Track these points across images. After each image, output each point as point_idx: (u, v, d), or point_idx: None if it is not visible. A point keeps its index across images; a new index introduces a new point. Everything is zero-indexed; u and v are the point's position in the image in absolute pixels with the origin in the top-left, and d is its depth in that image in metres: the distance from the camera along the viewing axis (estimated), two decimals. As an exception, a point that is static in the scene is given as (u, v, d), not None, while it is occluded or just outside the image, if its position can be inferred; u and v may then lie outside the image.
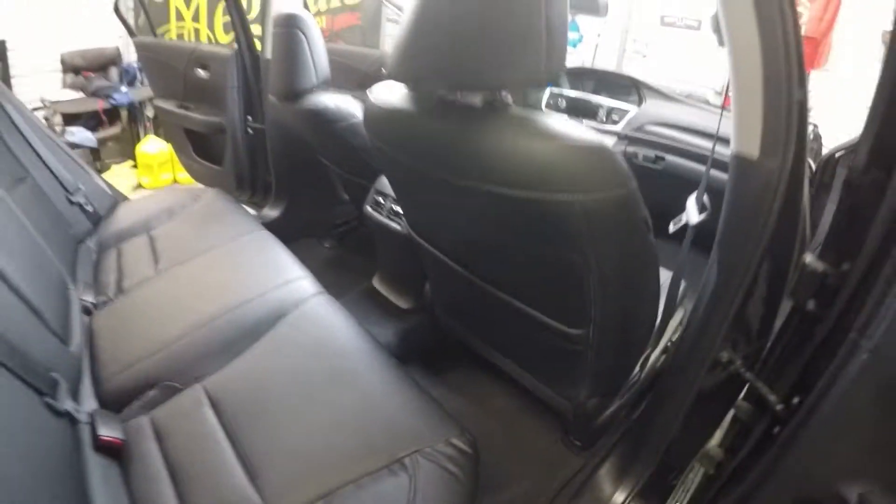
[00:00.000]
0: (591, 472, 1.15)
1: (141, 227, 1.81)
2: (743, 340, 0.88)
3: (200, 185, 2.83)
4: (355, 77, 2.55)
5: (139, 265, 1.58)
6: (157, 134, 4.40)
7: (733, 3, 0.70)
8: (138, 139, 4.36)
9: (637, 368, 1.08)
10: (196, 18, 4.64)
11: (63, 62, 4.22)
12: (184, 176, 4.10)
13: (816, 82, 5.08)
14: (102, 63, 4.40)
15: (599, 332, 0.94)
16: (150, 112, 4.45)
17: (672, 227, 0.99)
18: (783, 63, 0.69)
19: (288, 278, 1.35)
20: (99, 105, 4.10)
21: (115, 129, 4.27)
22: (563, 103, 2.37)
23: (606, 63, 4.73)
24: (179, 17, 4.58)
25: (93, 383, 1.13)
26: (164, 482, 0.91)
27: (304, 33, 1.63)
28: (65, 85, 4.21)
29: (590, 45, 4.85)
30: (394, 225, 1.62)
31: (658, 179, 1.85)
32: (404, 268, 1.72)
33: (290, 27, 1.63)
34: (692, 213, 0.94)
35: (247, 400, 1.02)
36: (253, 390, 1.04)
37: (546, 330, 0.98)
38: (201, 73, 2.45)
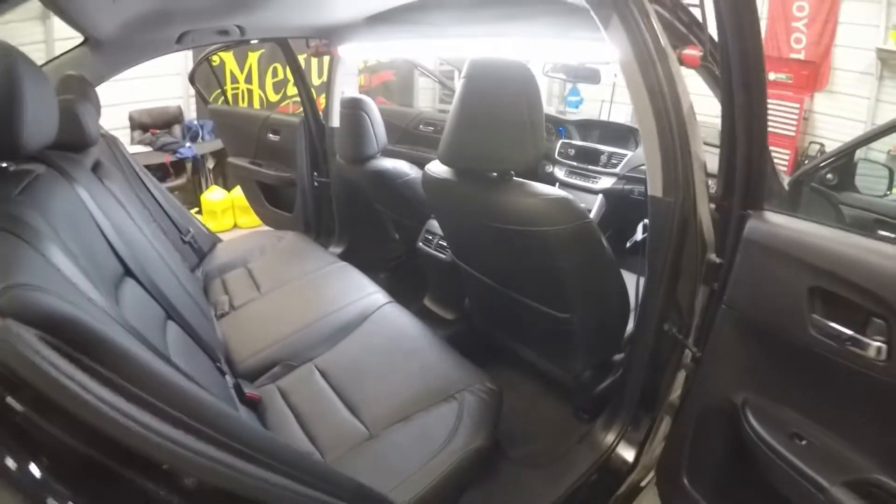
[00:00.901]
0: (589, 426, 1.63)
1: (239, 262, 2.32)
2: (676, 315, 1.38)
3: (267, 228, 3.40)
4: (396, 133, 3.10)
5: (244, 290, 2.08)
6: (216, 183, 4.99)
7: (636, 98, 1.24)
8: (201, 189, 4.91)
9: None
10: (249, 80, 5.24)
11: (131, 120, 4.75)
12: (243, 221, 4.69)
13: (820, 101, 5.60)
14: (167, 120, 4.92)
15: (580, 315, 1.45)
16: (210, 164, 5.02)
17: (628, 244, 1.54)
18: (670, 139, 1.22)
19: (368, 292, 1.89)
20: (166, 159, 4.63)
21: (181, 179, 4.81)
22: (572, 151, 2.90)
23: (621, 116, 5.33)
24: (234, 79, 5.15)
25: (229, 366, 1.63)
26: (291, 422, 1.40)
27: (367, 114, 2.18)
28: (133, 141, 4.70)
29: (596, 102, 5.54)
30: (441, 255, 2.13)
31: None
32: (448, 288, 2.23)
33: (356, 109, 2.18)
34: (639, 233, 1.47)
35: (346, 369, 1.54)
36: (350, 364, 1.57)
37: (545, 316, 1.49)
38: (272, 136, 3.02)
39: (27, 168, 1.12)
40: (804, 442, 1.07)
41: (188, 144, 4.80)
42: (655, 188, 1.28)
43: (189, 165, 4.87)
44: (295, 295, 1.98)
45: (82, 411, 0.52)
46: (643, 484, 1.54)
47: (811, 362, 1.05)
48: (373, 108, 2.20)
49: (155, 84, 4.66)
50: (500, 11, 1.72)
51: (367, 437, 1.32)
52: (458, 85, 1.32)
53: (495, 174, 1.36)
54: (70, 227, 1.06)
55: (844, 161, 2.26)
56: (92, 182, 1.42)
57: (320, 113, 2.85)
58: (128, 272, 1.22)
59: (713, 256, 1.26)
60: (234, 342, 1.73)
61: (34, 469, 0.52)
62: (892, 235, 2.12)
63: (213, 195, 4.68)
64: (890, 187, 2.44)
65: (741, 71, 1.04)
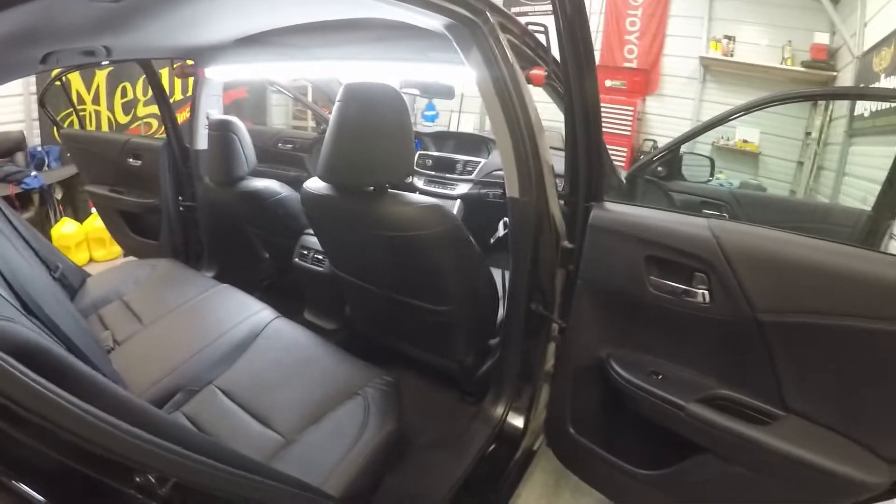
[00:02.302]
0: (479, 405, 1.80)
1: (113, 295, 2.21)
2: (540, 296, 1.58)
3: (131, 258, 3.27)
4: (256, 152, 3.12)
5: (125, 323, 2.00)
6: (66, 215, 4.63)
7: (492, 113, 1.44)
8: (51, 222, 4.54)
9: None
10: (96, 101, 4.89)
11: None
12: (99, 254, 4.43)
13: (651, 103, 6.27)
14: (9, 147, 4.44)
15: (457, 306, 1.63)
16: (58, 194, 4.66)
17: (492, 240, 1.74)
18: (522, 148, 1.43)
19: (255, 310, 1.93)
20: (11, 190, 4.22)
21: (29, 213, 4.41)
22: (429, 162, 3.09)
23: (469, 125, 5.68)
24: (81, 100, 4.77)
25: None
26: (205, 444, 1.45)
27: (236, 135, 2.21)
28: None
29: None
30: (317, 268, 2.22)
31: (504, 209, 2.63)
32: (327, 299, 2.31)
33: (225, 130, 2.20)
34: (500, 230, 1.68)
35: (248, 385, 1.59)
36: (251, 380, 1.62)
37: (425, 312, 1.65)
38: (133, 161, 2.91)
39: None
40: (661, 377, 1.35)
41: (34, 173, 4.38)
42: (513, 190, 1.49)
43: (36, 197, 4.50)
44: (181, 322, 1.97)
45: (66, 420, 0.58)
46: (535, 447, 1.78)
47: (654, 314, 1.34)
48: (241, 129, 2.24)
49: None
50: (362, 35, 1.82)
51: (283, 443, 1.38)
52: (334, 108, 1.42)
53: (372, 188, 1.49)
54: None
55: (671, 155, 2.63)
56: None
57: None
58: (27, 310, 1.20)
59: (566, 243, 1.49)
60: (129, 376, 1.67)
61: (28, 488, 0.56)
62: (707, 212, 2.50)
63: (65, 228, 4.36)
64: (712, 174, 2.87)
65: (580, 93, 1.27)
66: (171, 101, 4.64)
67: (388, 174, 1.46)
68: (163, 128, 2.84)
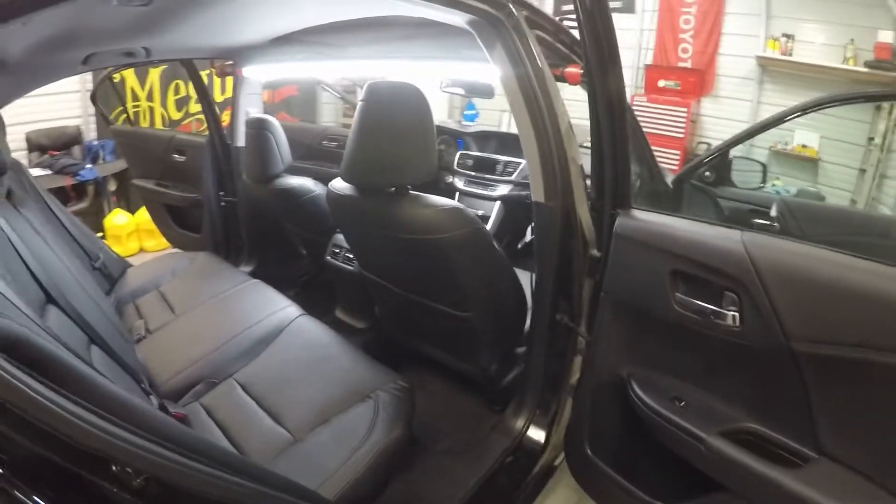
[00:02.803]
0: (501, 415, 1.76)
1: (151, 285, 2.30)
2: (567, 306, 1.53)
3: (175, 250, 3.36)
4: (300, 149, 3.13)
5: (159, 313, 2.07)
6: (120, 206, 4.81)
7: (517, 112, 1.39)
8: (104, 212, 4.71)
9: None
10: (150, 98, 5.05)
11: (28, 141, 4.45)
12: (149, 244, 4.56)
13: (706, 104, 6.08)
14: (66, 142, 4.63)
15: (479, 313, 1.59)
16: (112, 186, 4.84)
17: (519, 246, 1.69)
18: (548, 150, 1.38)
19: (281, 306, 1.95)
20: (67, 182, 4.39)
21: (83, 203, 4.57)
22: (470, 162, 3.06)
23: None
24: (135, 97, 4.95)
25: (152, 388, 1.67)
26: (218, 436, 1.45)
27: (271, 133, 2.22)
28: (31, 164, 4.38)
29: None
30: (348, 267, 2.22)
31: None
32: (358, 298, 2.30)
33: (261, 129, 2.23)
34: (528, 235, 1.62)
35: (266, 381, 1.60)
36: (269, 375, 1.63)
37: (448, 316, 1.62)
38: (178, 157, 2.99)
39: None
40: (683, 403, 1.25)
41: (89, 166, 4.57)
42: (538, 194, 1.44)
43: (91, 188, 4.66)
44: (210, 314, 2.00)
45: (43, 415, 0.58)
46: (556, 463, 1.70)
47: (680, 334, 1.22)
48: (277, 127, 2.25)
49: (52, 103, 4.41)
50: (399, 32, 1.81)
51: (291, 441, 1.38)
52: (357, 107, 1.41)
53: (393, 189, 1.47)
54: None
55: (719, 160, 2.51)
56: (7, 210, 1.43)
57: (225, 132, 2.86)
58: (49, 299, 1.24)
59: (594, 252, 1.42)
60: (155, 365, 1.74)
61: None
62: (758, 221, 2.39)
63: (117, 219, 4.53)
64: (763, 180, 2.74)
65: (603, 93, 1.20)
66: (221, 99, 4.83)
67: (408, 175, 1.43)
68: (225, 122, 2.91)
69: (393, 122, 1.38)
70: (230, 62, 2.55)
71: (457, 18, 1.33)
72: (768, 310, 1.05)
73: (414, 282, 1.69)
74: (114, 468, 0.64)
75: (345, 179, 1.51)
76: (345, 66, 2.43)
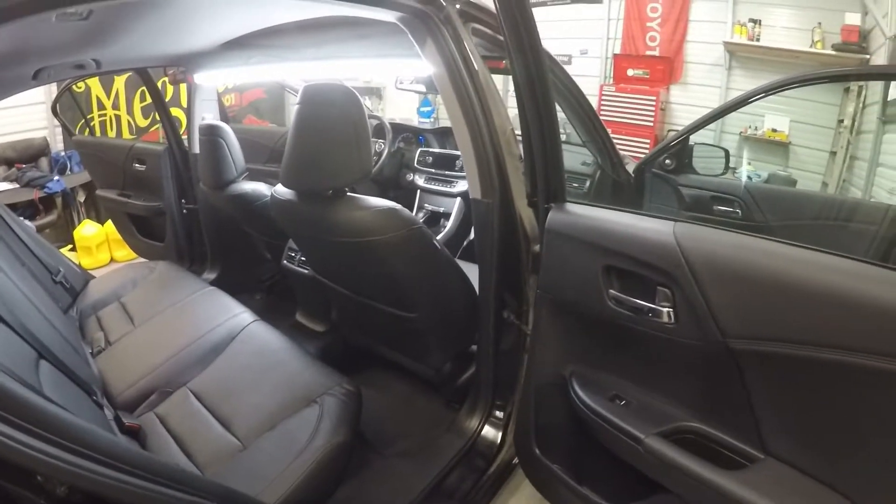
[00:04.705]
0: (455, 414, 1.77)
1: (112, 297, 2.27)
2: (514, 303, 1.53)
3: (142, 260, 3.33)
4: (264, 153, 3.14)
5: (119, 324, 2.05)
6: (89, 217, 4.76)
7: (450, 109, 1.39)
8: (73, 224, 4.67)
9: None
10: (116, 106, 5.02)
11: None
12: (120, 254, 4.48)
13: (675, 92, 6.10)
14: (33, 154, 4.63)
15: (425, 313, 1.59)
16: (81, 197, 4.80)
17: (465, 243, 1.68)
18: (482, 146, 1.38)
19: (234, 313, 1.94)
20: (35, 195, 4.37)
21: (52, 216, 4.56)
22: (430, 159, 3.05)
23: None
24: (101, 105, 4.93)
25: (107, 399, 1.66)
26: (172, 446, 1.44)
27: (223, 139, 2.21)
28: None
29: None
30: (303, 271, 2.20)
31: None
32: (316, 301, 2.31)
33: (213, 135, 2.21)
34: (472, 233, 1.60)
35: (217, 389, 1.59)
36: (221, 383, 1.62)
37: (395, 318, 1.61)
38: (139, 166, 2.96)
39: None
40: (623, 402, 1.21)
41: (57, 178, 4.55)
42: (475, 191, 1.44)
43: (59, 200, 4.64)
44: (166, 324, 1.99)
45: None
46: (515, 461, 1.67)
47: (617, 332, 1.18)
48: (229, 133, 2.24)
49: (17, 115, 4.40)
50: (352, 32, 1.80)
51: (240, 448, 1.38)
52: (295, 111, 1.41)
53: (330, 192, 1.46)
54: None
55: (680, 147, 2.50)
56: None
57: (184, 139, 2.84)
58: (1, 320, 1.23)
59: (537, 248, 1.38)
60: (112, 376, 1.73)
61: None
62: (721, 208, 2.40)
63: (87, 230, 4.45)
64: (726, 167, 2.73)
65: (525, 81, 1.15)
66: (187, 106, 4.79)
67: (343, 177, 1.41)
68: (182, 127, 2.88)
69: (326, 125, 1.37)
70: (182, 69, 2.53)
71: (387, 16, 1.32)
72: (702, 306, 1.00)
73: (359, 284, 1.69)
74: (38, 479, 0.65)
75: (283, 184, 1.51)
76: (301, 68, 2.42)
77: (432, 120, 6.59)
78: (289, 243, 2.31)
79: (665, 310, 1.06)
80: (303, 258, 2.20)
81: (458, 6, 1.37)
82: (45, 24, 1.19)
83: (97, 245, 4.45)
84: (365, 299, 1.68)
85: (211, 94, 2.66)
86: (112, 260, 4.55)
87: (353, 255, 1.51)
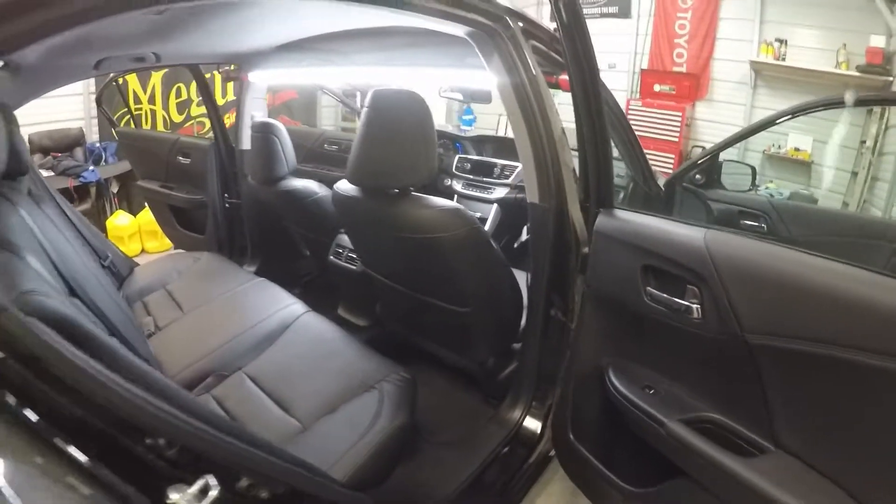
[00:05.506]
0: (499, 404, 1.84)
1: (157, 284, 2.36)
2: (560, 302, 1.61)
3: (179, 251, 3.43)
4: (301, 152, 3.20)
5: (167, 310, 2.13)
6: (121, 208, 4.88)
7: (512, 118, 1.48)
8: (106, 214, 4.77)
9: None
10: (152, 101, 5.14)
11: (31, 143, 4.45)
12: (151, 245, 4.63)
13: (701, 108, 6.17)
14: (69, 143, 4.71)
15: (477, 308, 1.67)
16: (114, 188, 4.91)
17: (515, 245, 1.76)
18: (542, 153, 1.47)
19: (287, 304, 2.03)
20: (70, 183, 4.43)
21: (86, 205, 4.61)
22: (468, 165, 3.14)
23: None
24: (137, 100, 5.03)
25: None
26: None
27: (277, 137, 2.29)
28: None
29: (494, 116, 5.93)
30: (351, 267, 2.29)
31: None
32: (360, 296, 2.39)
33: (267, 132, 2.29)
34: (524, 235, 1.69)
35: (274, 374, 1.68)
36: (277, 369, 1.70)
37: (447, 312, 1.69)
38: (183, 159, 3.07)
39: None
40: (653, 391, 1.33)
41: (91, 168, 4.63)
42: (533, 196, 1.53)
43: (93, 190, 4.72)
44: (218, 311, 2.07)
45: (93, 386, 0.66)
46: (552, 453, 1.78)
47: (652, 326, 1.31)
48: (282, 131, 2.32)
49: (54, 105, 4.46)
50: (401, 40, 1.88)
51: (300, 429, 1.46)
52: (363, 113, 1.49)
53: (396, 190, 1.55)
54: (29, 245, 1.16)
55: (709, 163, 2.59)
56: (32, 207, 1.49)
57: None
58: (72, 292, 1.31)
59: (585, 249, 1.50)
60: (165, 359, 1.80)
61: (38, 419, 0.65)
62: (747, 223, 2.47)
63: (119, 220, 4.59)
64: (753, 183, 2.81)
65: (583, 100, 1.30)
66: (223, 102, 4.90)
67: (410, 177, 1.50)
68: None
69: (396, 128, 1.46)
70: (236, 67, 2.62)
71: (457, 30, 1.41)
72: (724, 303, 1.11)
73: (416, 279, 1.77)
74: (147, 440, 0.71)
75: (350, 181, 1.59)
76: (347, 73, 2.50)
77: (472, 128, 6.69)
78: (336, 240, 2.39)
79: (694, 306, 1.18)
80: (350, 255, 2.28)
81: (521, 25, 1.46)
82: (125, 17, 1.29)
83: (129, 235, 4.57)
84: (419, 294, 1.76)
85: (261, 92, 2.75)
86: (143, 251, 4.67)
87: (415, 250, 1.59)
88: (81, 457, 0.64)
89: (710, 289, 1.14)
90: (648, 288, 1.28)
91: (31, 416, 0.62)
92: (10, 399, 0.61)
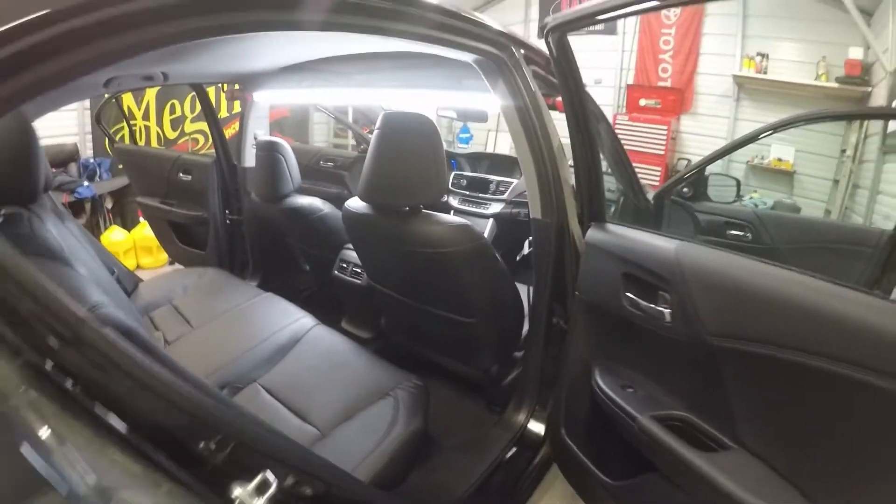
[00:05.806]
0: (502, 411, 1.92)
1: (163, 300, 2.40)
2: (561, 311, 1.71)
3: (179, 267, 3.48)
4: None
5: (175, 325, 2.17)
6: (116, 224, 4.88)
7: (516, 138, 1.57)
8: (100, 230, 4.77)
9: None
10: (146, 117, 5.16)
11: None
12: (146, 261, 4.65)
13: (686, 122, 6.31)
14: (63, 159, 4.67)
15: (483, 318, 1.75)
16: (108, 204, 4.90)
17: (518, 258, 1.85)
18: (544, 171, 1.58)
19: (297, 317, 2.09)
20: (64, 199, 4.41)
21: (80, 220, 4.57)
22: (464, 182, 3.23)
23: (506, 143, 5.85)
24: (131, 115, 5.01)
25: None
26: (246, 437, 1.60)
27: (282, 155, 2.37)
28: None
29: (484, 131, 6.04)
30: (356, 281, 2.36)
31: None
32: (364, 310, 2.45)
33: (272, 151, 2.36)
34: (526, 248, 1.78)
35: (289, 385, 1.74)
36: (291, 380, 1.76)
37: (454, 323, 1.77)
38: (184, 176, 3.11)
39: (13, 211, 1.26)
40: (632, 390, 1.42)
41: (86, 184, 4.63)
42: (535, 211, 1.63)
43: (88, 206, 4.75)
44: (228, 325, 2.13)
45: (167, 391, 0.73)
46: None
47: (632, 329, 1.40)
48: (287, 149, 2.40)
49: (49, 120, 4.33)
50: (402, 63, 1.96)
51: (319, 436, 1.52)
52: (374, 134, 1.57)
53: (407, 208, 1.63)
54: (75, 258, 1.22)
55: (696, 177, 2.69)
56: (57, 223, 1.55)
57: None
58: None
59: None
60: (178, 372, 1.85)
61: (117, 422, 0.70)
62: (733, 233, 2.57)
63: (114, 236, 4.61)
64: (738, 195, 2.91)
65: (575, 124, 1.43)
66: (225, 115, 4.95)
67: (421, 195, 1.58)
68: (209, 143, 3.02)
69: (407, 149, 1.54)
70: (241, 87, 2.69)
71: (465, 57, 1.50)
72: (690, 307, 1.21)
73: (424, 292, 1.84)
74: (206, 443, 0.77)
75: (362, 199, 1.67)
76: (349, 93, 2.58)
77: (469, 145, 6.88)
78: (340, 255, 2.46)
79: (665, 311, 1.28)
80: (356, 269, 2.35)
81: (523, 52, 1.56)
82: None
83: (124, 251, 4.59)
84: (425, 305, 1.83)
85: (264, 111, 2.82)
86: (138, 266, 4.69)
87: (424, 264, 1.68)
88: (164, 459, 0.70)
89: (678, 294, 1.24)
90: (628, 294, 1.38)
91: (119, 423, 0.68)
92: (99, 409, 0.67)
